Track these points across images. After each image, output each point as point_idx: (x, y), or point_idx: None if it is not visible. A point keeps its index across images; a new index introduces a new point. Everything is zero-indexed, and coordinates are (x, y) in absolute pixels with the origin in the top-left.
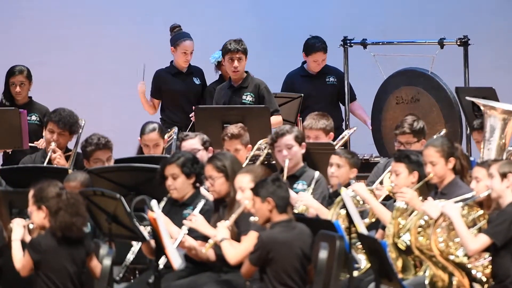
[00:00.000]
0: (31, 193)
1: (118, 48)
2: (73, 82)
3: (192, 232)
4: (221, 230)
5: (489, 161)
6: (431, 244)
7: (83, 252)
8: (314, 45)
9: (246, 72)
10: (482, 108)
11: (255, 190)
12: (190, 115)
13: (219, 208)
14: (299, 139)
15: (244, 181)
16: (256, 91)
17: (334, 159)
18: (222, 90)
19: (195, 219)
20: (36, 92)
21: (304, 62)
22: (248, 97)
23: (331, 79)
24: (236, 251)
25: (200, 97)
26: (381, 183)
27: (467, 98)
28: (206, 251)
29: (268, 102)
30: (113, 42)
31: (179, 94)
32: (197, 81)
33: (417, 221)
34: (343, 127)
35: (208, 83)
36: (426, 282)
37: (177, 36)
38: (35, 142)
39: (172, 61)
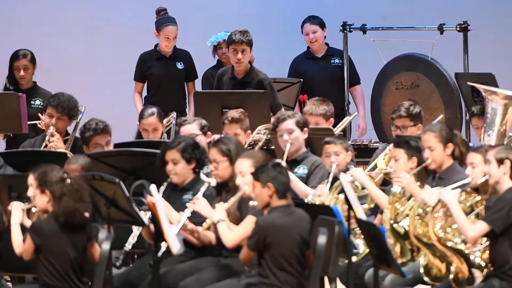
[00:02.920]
0: (33, 176)
1: (118, 33)
2: (73, 67)
3: (192, 218)
4: (219, 212)
5: (485, 146)
6: (429, 230)
7: (85, 238)
8: (303, 20)
9: (250, 63)
10: (483, 93)
11: (256, 175)
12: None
13: (222, 192)
14: (301, 124)
15: (245, 166)
16: (259, 87)
17: (330, 148)
18: (224, 76)
19: (198, 202)
20: (35, 76)
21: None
22: None
23: (336, 60)
24: (232, 234)
25: (184, 82)
26: (375, 166)
27: (468, 83)
28: (203, 230)
29: (271, 99)
30: (113, 27)
31: (161, 78)
32: (180, 66)
33: (415, 210)
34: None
35: (206, 67)
36: (421, 269)
37: (161, 20)
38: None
39: (156, 45)
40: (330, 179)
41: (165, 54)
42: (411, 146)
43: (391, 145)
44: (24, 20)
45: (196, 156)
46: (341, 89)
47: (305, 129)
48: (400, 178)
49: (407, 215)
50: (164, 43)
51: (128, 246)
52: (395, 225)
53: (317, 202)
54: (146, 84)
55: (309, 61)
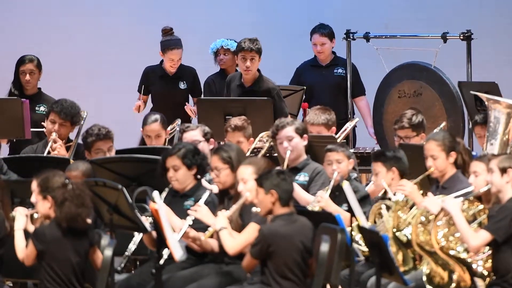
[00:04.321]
0: (36, 182)
1: (122, 39)
2: (76, 73)
3: (194, 224)
4: (220, 219)
5: (488, 155)
6: (431, 239)
7: (87, 244)
8: (313, 29)
9: (258, 70)
10: (486, 102)
11: (259, 181)
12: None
13: (224, 200)
14: (300, 131)
15: (246, 173)
16: (267, 96)
17: (331, 156)
18: (232, 83)
19: (200, 209)
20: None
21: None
22: None
23: (340, 70)
24: (235, 242)
25: (185, 101)
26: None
27: (472, 92)
28: (205, 238)
29: (279, 108)
30: (116, 34)
31: (162, 97)
32: (182, 85)
33: (418, 218)
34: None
35: (210, 73)
36: (424, 277)
37: (166, 43)
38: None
39: (162, 61)
40: (331, 186)
41: (169, 73)
42: (388, 158)
43: None
44: (28, 25)
45: (196, 162)
46: (344, 99)
47: (305, 135)
48: (403, 186)
49: (409, 223)
50: (168, 64)
51: (129, 251)
52: (397, 234)
53: (317, 209)
54: (150, 97)
55: (313, 69)
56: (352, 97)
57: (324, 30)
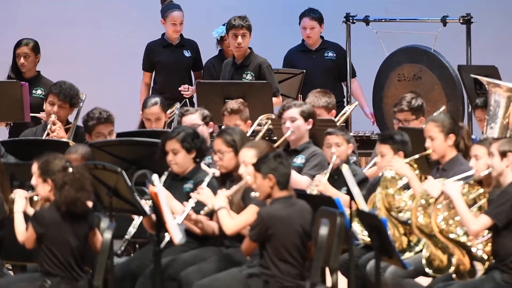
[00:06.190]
0: (36, 165)
1: (122, 23)
2: (76, 57)
3: (195, 207)
4: (220, 199)
5: (489, 139)
6: (431, 222)
7: (86, 227)
8: (302, 13)
9: (250, 48)
10: (486, 85)
11: (257, 166)
12: (180, 89)
13: (226, 182)
14: (305, 114)
15: (248, 156)
16: (257, 70)
17: (331, 139)
18: (227, 66)
19: (203, 191)
20: (38, 65)
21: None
22: (248, 76)
23: (330, 54)
24: (233, 222)
25: (191, 70)
26: None
27: (472, 75)
28: (204, 214)
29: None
30: (117, 17)
31: (168, 66)
32: (187, 54)
33: (418, 201)
34: (345, 103)
35: (208, 57)
36: (423, 261)
37: (166, 7)
38: (40, 114)
39: (163, 34)
40: (329, 170)
41: (172, 42)
42: (396, 141)
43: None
44: (29, 10)
45: (196, 145)
46: (335, 82)
47: (310, 120)
48: (391, 162)
49: (405, 207)
50: (171, 29)
51: (129, 234)
52: (393, 215)
53: (315, 193)
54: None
55: (303, 54)
56: (342, 80)
57: (314, 15)
